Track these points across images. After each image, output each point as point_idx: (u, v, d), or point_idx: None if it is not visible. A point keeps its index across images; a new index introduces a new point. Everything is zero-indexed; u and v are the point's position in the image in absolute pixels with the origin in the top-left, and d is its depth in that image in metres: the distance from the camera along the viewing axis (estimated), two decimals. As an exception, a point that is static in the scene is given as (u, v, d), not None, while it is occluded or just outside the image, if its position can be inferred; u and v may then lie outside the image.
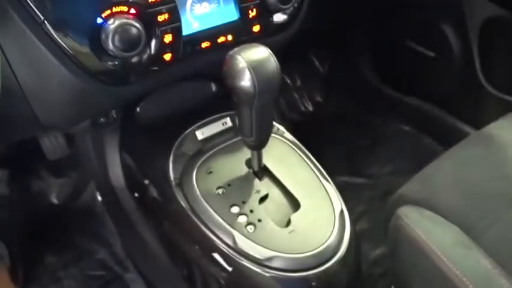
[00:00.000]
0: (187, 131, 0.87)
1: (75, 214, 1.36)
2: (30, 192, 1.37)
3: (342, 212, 0.76)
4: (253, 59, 0.63)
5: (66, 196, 1.39)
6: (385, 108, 1.71)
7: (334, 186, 0.80)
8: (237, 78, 0.63)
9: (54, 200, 1.38)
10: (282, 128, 0.90)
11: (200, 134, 0.87)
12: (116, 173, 0.97)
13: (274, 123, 0.88)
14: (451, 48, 1.38)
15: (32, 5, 0.62)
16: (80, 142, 1.14)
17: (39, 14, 0.63)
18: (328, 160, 1.46)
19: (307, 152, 0.86)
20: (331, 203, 0.77)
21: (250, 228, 0.72)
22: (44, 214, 1.35)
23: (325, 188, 0.79)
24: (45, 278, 1.22)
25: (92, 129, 0.90)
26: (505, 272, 0.67)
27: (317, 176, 0.81)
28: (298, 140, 0.90)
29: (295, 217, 0.74)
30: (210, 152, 0.83)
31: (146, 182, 0.87)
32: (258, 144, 0.74)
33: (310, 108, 1.78)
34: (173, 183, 0.80)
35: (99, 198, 1.35)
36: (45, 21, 0.63)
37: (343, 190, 1.40)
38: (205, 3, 0.74)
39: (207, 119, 0.88)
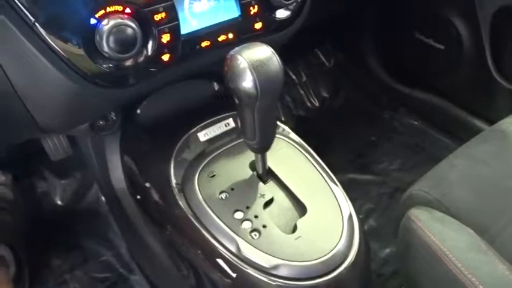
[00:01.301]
0: (189, 133, 0.84)
1: (80, 216, 1.36)
2: (34, 194, 1.37)
3: (350, 216, 0.73)
4: (254, 59, 0.60)
5: (70, 197, 1.38)
6: (394, 102, 1.68)
7: (341, 189, 0.78)
8: (238, 79, 0.61)
9: (59, 202, 1.37)
10: (287, 129, 0.87)
11: (202, 136, 0.84)
12: (117, 175, 0.95)
13: (279, 123, 0.85)
14: (460, 40, 1.34)
15: (21, 6, 0.60)
16: (82, 144, 1.12)
17: (29, 15, 0.60)
18: (336, 157, 1.46)
19: (314, 153, 0.83)
20: (339, 206, 0.74)
21: (254, 234, 0.70)
22: (49, 216, 1.34)
23: (332, 190, 0.76)
24: (50, 281, 1.22)
25: (91, 132, 0.88)
26: (523, 278, 0.64)
27: (324, 179, 0.78)
28: (305, 137, 0.87)
29: (301, 222, 0.71)
30: (213, 155, 0.81)
31: (147, 185, 0.85)
32: (262, 147, 0.71)
33: (317, 104, 1.75)
34: (175, 187, 0.77)
35: (103, 199, 1.34)
36: (36, 23, 0.60)
37: (351, 187, 1.37)
38: (204, 1, 0.72)
39: (209, 120, 0.86)
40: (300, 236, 0.69)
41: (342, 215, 0.73)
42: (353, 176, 1.46)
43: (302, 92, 1.75)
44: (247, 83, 0.60)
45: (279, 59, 0.62)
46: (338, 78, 1.79)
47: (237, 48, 0.62)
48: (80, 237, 1.29)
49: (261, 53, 0.61)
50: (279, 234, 0.70)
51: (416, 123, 1.63)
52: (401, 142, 1.58)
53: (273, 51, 0.63)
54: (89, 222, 1.33)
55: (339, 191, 0.77)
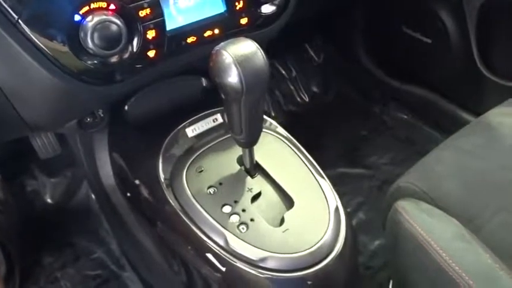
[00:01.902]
0: (177, 129, 0.85)
1: (71, 214, 1.35)
2: (25, 192, 1.36)
3: (337, 208, 0.74)
4: (239, 54, 0.61)
5: (60, 195, 1.38)
6: (383, 96, 1.69)
7: (328, 182, 0.78)
8: (223, 74, 0.61)
9: (49, 200, 1.37)
10: (274, 123, 0.88)
11: (190, 132, 0.85)
12: (106, 172, 0.95)
13: (266, 117, 0.86)
14: (447, 33, 1.35)
15: (3, 3, 0.60)
16: (71, 141, 1.12)
17: (12, 12, 0.60)
18: (326, 151, 1.47)
19: (301, 147, 0.84)
20: (326, 199, 0.75)
21: (242, 228, 0.70)
22: (40, 215, 1.34)
23: (319, 184, 0.77)
24: (42, 278, 1.22)
25: (79, 129, 0.87)
26: (505, 266, 0.65)
27: (311, 172, 0.79)
28: (296, 131, 0.87)
29: (288, 215, 0.72)
30: (201, 150, 0.81)
31: (137, 181, 0.85)
32: (249, 142, 0.72)
33: (307, 99, 1.75)
34: (163, 183, 0.77)
35: (94, 197, 1.33)
36: (19, 20, 0.60)
37: (341, 181, 1.38)
38: (189, -4, 0.72)
39: (197, 116, 0.86)
40: (287, 229, 0.70)
41: (328, 208, 0.74)
42: (343, 170, 1.46)
43: (292, 87, 1.75)
44: (233, 78, 0.61)
45: (264, 54, 0.63)
46: (328, 73, 1.79)
47: (222, 44, 0.63)
48: (71, 235, 1.29)
49: (245, 48, 0.62)
50: (266, 227, 0.70)
51: (406, 117, 1.64)
52: (392, 136, 1.59)
53: (258, 46, 0.63)
54: (80, 220, 1.32)
55: (325, 184, 0.77)
